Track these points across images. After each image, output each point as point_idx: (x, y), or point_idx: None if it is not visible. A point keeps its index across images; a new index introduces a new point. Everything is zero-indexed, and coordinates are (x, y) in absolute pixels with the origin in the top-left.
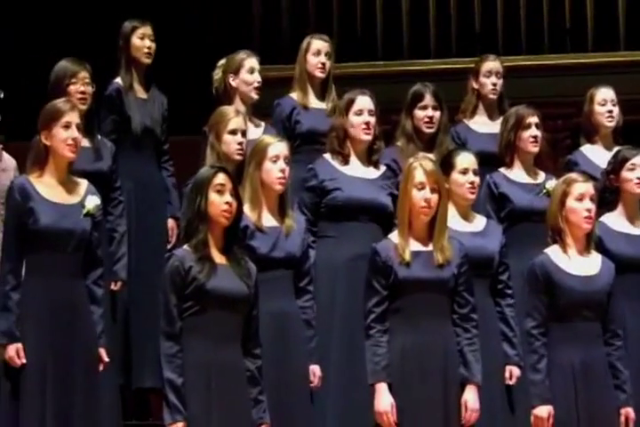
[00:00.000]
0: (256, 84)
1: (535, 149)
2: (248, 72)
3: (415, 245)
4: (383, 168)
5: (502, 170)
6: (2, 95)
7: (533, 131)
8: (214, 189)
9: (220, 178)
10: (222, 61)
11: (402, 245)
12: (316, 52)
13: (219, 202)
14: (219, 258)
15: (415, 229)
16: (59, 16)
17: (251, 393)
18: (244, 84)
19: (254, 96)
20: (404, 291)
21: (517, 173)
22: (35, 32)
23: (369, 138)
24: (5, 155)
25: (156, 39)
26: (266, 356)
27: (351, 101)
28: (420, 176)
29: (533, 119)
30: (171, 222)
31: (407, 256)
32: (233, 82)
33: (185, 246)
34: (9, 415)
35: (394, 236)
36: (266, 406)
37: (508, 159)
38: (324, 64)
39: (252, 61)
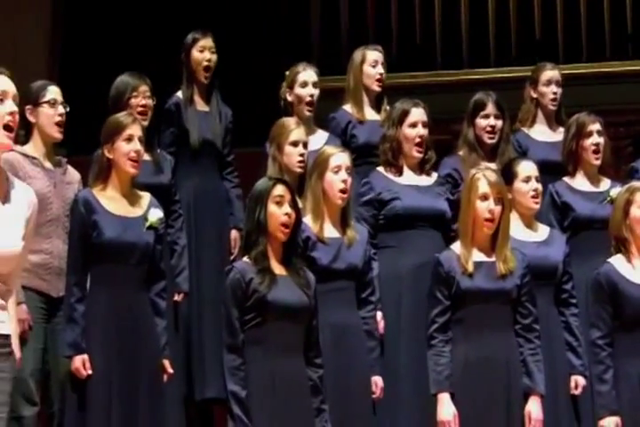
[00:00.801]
0: (308, 99)
1: (597, 157)
2: (300, 86)
3: (478, 256)
4: (435, 175)
5: (565, 179)
6: (67, 109)
7: (595, 138)
8: (273, 200)
9: (279, 189)
10: (287, 73)
11: (465, 255)
12: (373, 64)
13: (278, 213)
14: (278, 269)
15: (478, 239)
16: (123, 29)
17: (313, 403)
18: (297, 98)
19: (306, 112)
20: (466, 301)
21: (580, 182)
22: (97, 46)
23: (420, 156)
24: (70, 168)
25: (221, 52)
26: (327, 367)
27: (405, 113)
28: (483, 187)
29: (595, 127)
30: (234, 233)
31: (470, 267)
32: (289, 96)
33: (245, 258)
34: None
35: (456, 246)
36: (328, 416)
37: (571, 168)
38: (381, 75)
39: (305, 75)
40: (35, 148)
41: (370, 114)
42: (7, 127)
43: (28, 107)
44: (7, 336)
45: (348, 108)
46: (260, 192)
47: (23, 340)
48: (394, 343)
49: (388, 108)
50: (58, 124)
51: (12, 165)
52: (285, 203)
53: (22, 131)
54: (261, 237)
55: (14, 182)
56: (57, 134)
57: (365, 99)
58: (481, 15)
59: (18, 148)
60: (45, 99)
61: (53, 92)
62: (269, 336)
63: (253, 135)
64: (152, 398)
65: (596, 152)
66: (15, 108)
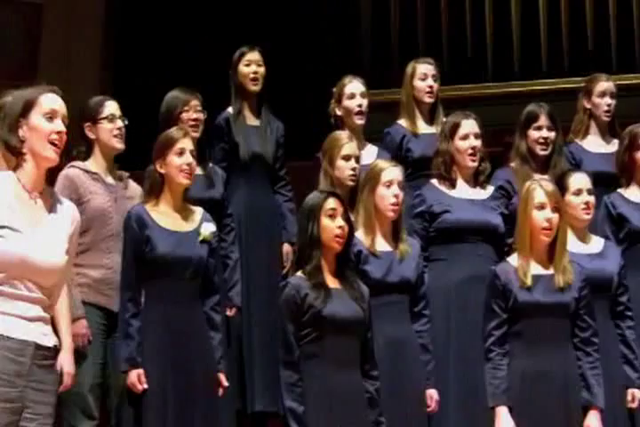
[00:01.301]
0: (356, 110)
1: None
2: (348, 98)
3: (536, 268)
4: (491, 188)
5: (620, 190)
6: (126, 122)
7: None
8: (326, 213)
9: (332, 202)
10: (334, 89)
11: (522, 268)
12: (423, 77)
13: (331, 227)
14: (332, 283)
15: (535, 251)
16: (175, 45)
17: (371, 415)
18: (346, 111)
19: (357, 122)
20: (524, 314)
21: (635, 193)
22: (149, 62)
23: (475, 165)
24: (132, 183)
25: (273, 66)
26: (382, 381)
27: (456, 126)
28: (540, 196)
29: None
30: (286, 247)
31: (528, 280)
32: (338, 111)
33: (299, 273)
34: None
35: (513, 258)
36: None
37: (625, 179)
38: (431, 88)
39: (351, 87)
40: (96, 163)
41: (423, 127)
42: (53, 144)
43: (86, 124)
44: (50, 349)
45: (402, 122)
46: (312, 206)
47: (82, 354)
48: (442, 356)
49: (444, 119)
50: (117, 136)
51: (73, 180)
52: (338, 216)
53: (83, 147)
54: (315, 250)
55: (59, 198)
56: (118, 145)
57: (418, 113)
58: (532, 26)
59: (79, 163)
60: (103, 115)
61: (111, 107)
62: (326, 351)
63: (306, 149)
64: (207, 412)
65: None
66: (63, 128)
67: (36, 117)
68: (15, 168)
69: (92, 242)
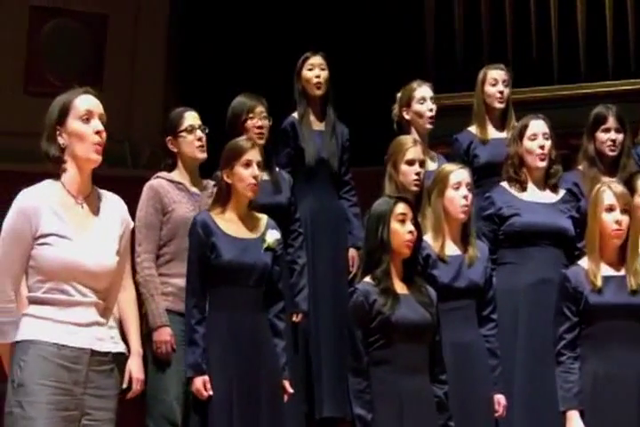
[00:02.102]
0: (428, 114)
1: None
2: (419, 102)
3: (606, 270)
4: (562, 192)
5: None
6: (206, 131)
7: None
8: (396, 218)
9: (401, 207)
10: (398, 94)
11: (593, 270)
12: (494, 82)
13: (402, 231)
14: (400, 288)
15: (606, 253)
16: (239, 51)
17: (440, 419)
18: (416, 115)
19: (427, 126)
20: (595, 317)
21: None
22: (214, 69)
23: (544, 165)
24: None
25: (337, 71)
26: (451, 385)
27: (524, 127)
28: (609, 198)
29: None
30: (352, 252)
31: (599, 282)
32: (406, 115)
33: (367, 279)
34: None
35: (584, 261)
36: None
37: None
38: (502, 93)
39: (421, 91)
40: (180, 174)
41: (493, 133)
42: (95, 145)
43: (168, 138)
44: (106, 354)
45: (472, 128)
46: (382, 211)
47: (167, 362)
48: (509, 360)
49: (515, 125)
50: (198, 147)
51: (157, 191)
52: (408, 221)
53: (169, 160)
54: (385, 255)
55: (107, 199)
56: (200, 155)
57: (488, 118)
58: (598, 27)
59: (164, 174)
60: (182, 127)
61: (190, 118)
62: (395, 357)
63: (371, 154)
64: (273, 419)
65: None
66: (101, 127)
67: (73, 122)
68: (58, 175)
69: (177, 251)
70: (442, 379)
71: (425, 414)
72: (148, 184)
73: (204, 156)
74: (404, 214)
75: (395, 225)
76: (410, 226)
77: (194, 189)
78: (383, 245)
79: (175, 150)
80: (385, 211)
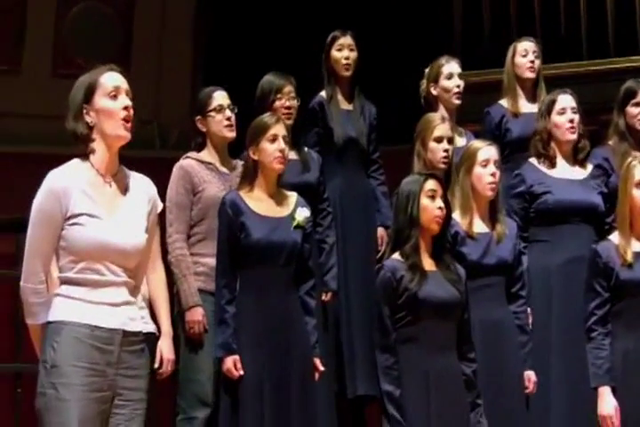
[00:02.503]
0: (455, 90)
1: None
2: (446, 78)
3: (637, 246)
4: (590, 167)
5: None
6: (235, 111)
7: None
8: (426, 194)
9: (431, 184)
10: (426, 70)
11: (623, 246)
12: (524, 53)
13: (432, 207)
14: (429, 265)
15: (637, 229)
16: (267, 30)
17: (468, 397)
18: (444, 91)
19: (455, 102)
20: (626, 293)
21: None
22: (241, 48)
23: (574, 137)
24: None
25: (365, 50)
26: (480, 363)
27: (552, 102)
28: (639, 174)
29: None
30: (380, 231)
31: (629, 257)
32: (434, 90)
33: (394, 255)
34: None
35: (614, 236)
36: (483, 411)
37: None
38: (532, 62)
39: (449, 67)
40: (209, 154)
41: (525, 106)
42: (124, 121)
43: (197, 117)
44: (137, 333)
45: (503, 102)
46: (411, 187)
47: (200, 342)
48: (544, 338)
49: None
50: (227, 126)
51: (187, 171)
52: (438, 197)
53: (199, 139)
54: (413, 231)
55: (134, 177)
56: (228, 134)
57: (520, 91)
58: (627, 1)
59: (193, 154)
60: (211, 107)
61: (219, 97)
62: (422, 334)
63: (398, 133)
64: (304, 397)
65: None
66: (129, 103)
67: (100, 99)
68: (86, 155)
69: (208, 231)
70: (470, 357)
71: (453, 392)
72: (177, 164)
73: (232, 135)
74: (433, 191)
75: (424, 201)
76: (440, 202)
77: (223, 169)
78: (412, 222)
79: (204, 130)
80: (415, 187)
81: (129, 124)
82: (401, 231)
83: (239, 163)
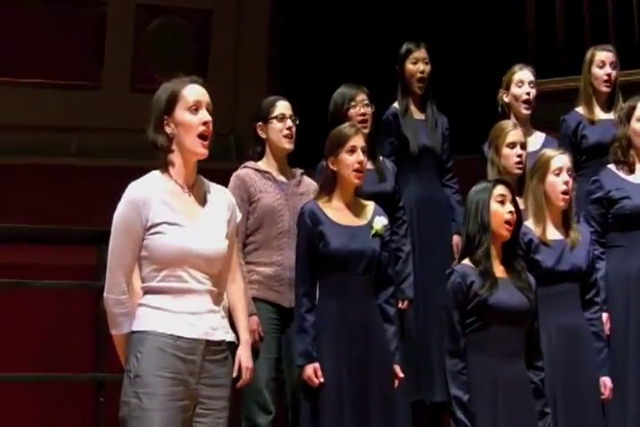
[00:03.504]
0: (524, 97)
1: None
2: (517, 85)
3: None
4: None
5: None
6: (297, 122)
7: None
8: (495, 199)
9: (500, 189)
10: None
11: None
12: (600, 64)
13: (501, 212)
14: (499, 272)
15: None
16: (340, 42)
17: (536, 406)
18: (514, 98)
19: (524, 111)
20: None
21: None
22: (315, 59)
23: None
24: (306, 179)
25: (438, 61)
26: (557, 369)
27: (632, 108)
28: None
29: None
30: (456, 239)
31: None
32: (506, 98)
33: (465, 261)
34: None
35: None
36: (551, 419)
37: None
38: (609, 75)
39: (521, 74)
40: (267, 162)
41: (601, 114)
42: (202, 136)
43: (258, 124)
44: (220, 343)
45: (579, 109)
46: (481, 193)
47: (255, 350)
48: (622, 345)
49: (623, 106)
50: (287, 136)
51: (244, 180)
52: (507, 202)
53: (258, 147)
54: (484, 236)
55: (211, 186)
56: (287, 145)
57: (595, 99)
58: None
59: (251, 163)
60: (274, 114)
61: (282, 107)
62: (491, 340)
63: (472, 142)
64: (383, 404)
65: None
66: (209, 118)
67: (181, 112)
68: (165, 166)
69: (264, 240)
70: (538, 365)
71: (521, 400)
72: (235, 174)
73: (290, 146)
74: (503, 195)
75: (494, 206)
76: (510, 206)
77: (281, 178)
78: (483, 227)
79: (264, 137)
80: (484, 193)
81: (206, 142)
82: (472, 237)
83: (298, 171)
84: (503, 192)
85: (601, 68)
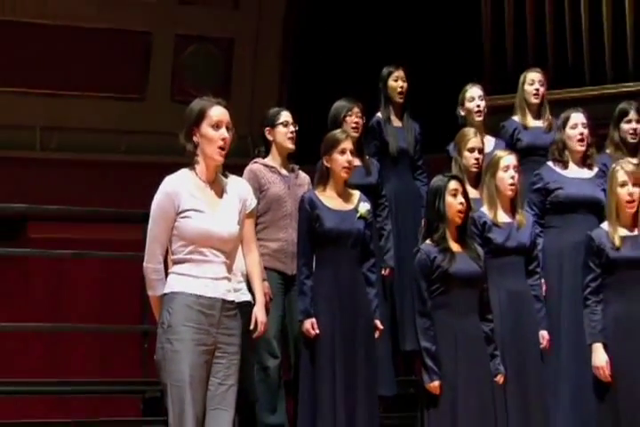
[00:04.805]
0: (475, 109)
1: None
2: (469, 101)
3: (623, 232)
4: (596, 169)
5: None
6: (297, 127)
7: None
8: (450, 193)
9: (453, 184)
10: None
11: (612, 232)
12: (531, 82)
13: (454, 204)
14: (455, 247)
15: (622, 219)
16: (337, 63)
17: (487, 350)
18: (467, 111)
19: (476, 119)
20: (615, 269)
21: None
22: (319, 77)
23: (583, 149)
24: (301, 173)
25: (412, 78)
26: (506, 325)
27: (567, 119)
28: (621, 176)
29: None
30: (425, 221)
31: (617, 241)
32: (462, 111)
33: (428, 241)
34: (309, 375)
35: (605, 225)
36: (500, 360)
37: None
38: (537, 91)
39: (471, 91)
40: (273, 159)
41: (532, 122)
42: (220, 148)
43: (267, 128)
44: (232, 302)
45: (516, 117)
46: (438, 187)
47: (267, 309)
48: (556, 305)
49: (549, 117)
50: (290, 138)
51: (255, 173)
52: (459, 195)
53: (262, 147)
54: (441, 223)
55: (232, 180)
56: (290, 145)
57: (528, 110)
58: (621, 38)
59: (260, 160)
60: (280, 121)
61: (285, 115)
62: (451, 301)
63: (439, 144)
64: (367, 350)
65: None
66: (227, 135)
67: (205, 127)
68: (192, 165)
69: (271, 220)
70: (488, 318)
71: (475, 346)
72: (248, 168)
73: (292, 146)
74: (455, 189)
75: (448, 198)
76: (461, 199)
77: (284, 172)
78: (440, 215)
79: (271, 139)
80: (440, 187)
81: (224, 152)
82: (432, 222)
83: (296, 167)
84: (455, 186)
85: (531, 85)
